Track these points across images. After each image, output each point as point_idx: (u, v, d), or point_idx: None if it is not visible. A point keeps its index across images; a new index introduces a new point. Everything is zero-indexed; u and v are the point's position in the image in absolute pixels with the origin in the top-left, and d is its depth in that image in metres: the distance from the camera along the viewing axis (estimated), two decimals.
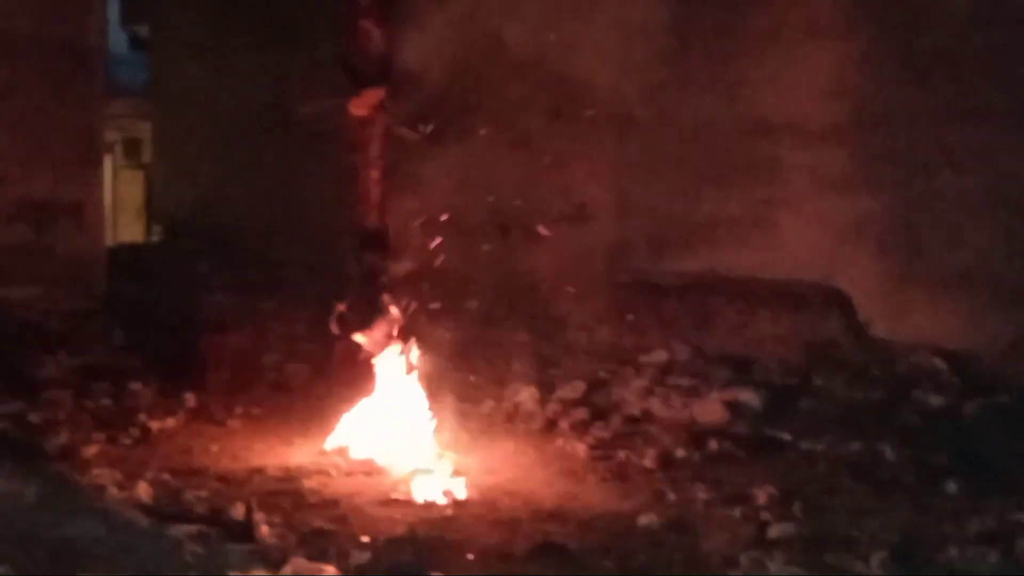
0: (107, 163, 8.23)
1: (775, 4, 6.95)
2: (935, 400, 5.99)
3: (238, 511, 4.09)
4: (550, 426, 5.69)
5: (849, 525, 4.40)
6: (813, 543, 4.14)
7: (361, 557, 3.80)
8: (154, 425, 5.32)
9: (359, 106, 5.23)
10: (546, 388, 6.12)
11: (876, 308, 6.69)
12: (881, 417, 5.78)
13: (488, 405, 5.85)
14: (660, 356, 6.71)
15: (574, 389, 6.15)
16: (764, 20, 6.98)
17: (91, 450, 4.86)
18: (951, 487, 4.82)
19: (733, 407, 5.85)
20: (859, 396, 6.11)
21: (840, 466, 5.16)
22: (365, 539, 4.04)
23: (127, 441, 5.11)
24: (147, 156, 11.25)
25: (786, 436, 5.54)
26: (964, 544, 4.14)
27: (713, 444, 5.39)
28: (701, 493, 4.75)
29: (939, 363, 6.35)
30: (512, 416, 5.83)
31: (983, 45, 6.26)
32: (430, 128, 5.33)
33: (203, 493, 4.38)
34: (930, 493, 4.80)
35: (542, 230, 7.04)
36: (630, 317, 7.05)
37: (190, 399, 5.72)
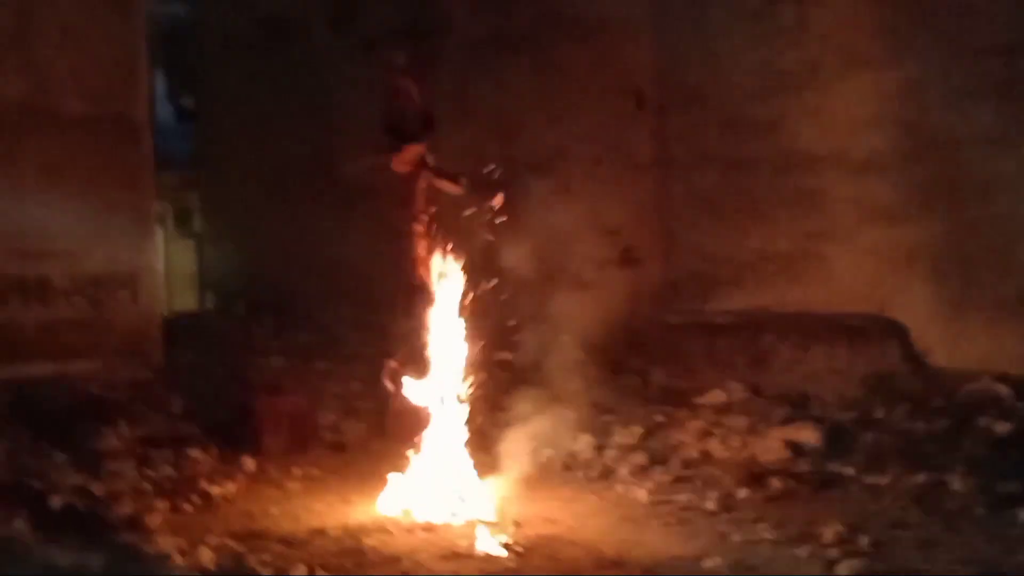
0: (159, 234, 8.37)
1: (811, 41, 6.95)
2: (1000, 427, 5.85)
3: (300, 572, 4.10)
4: (608, 473, 5.66)
5: (920, 559, 4.32)
6: None
7: None
8: (215, 491, 5.35)
9: (401, 163, 5.29)
10: (602, 434, 6.09)
11: (934, 337, 6.58)
12: (945, 447, 5.67)
13: (545, 454, 5.83)
14: (717, 396, 6.67)
15: (631, 434, 6.11)
16: (801, 56, 6.99)
17: (155, 519, 4.89)
18: (1023, 515, 4.70)
19: (793, 444, 5.77)
20: (921, 427, 5.99)
21: (906, 499, 5.06)
22: None
23: (189, 508, 5.14)
24: (197, 225, 11.41)
25: (849, 471, 5.46)
26: None
27: (775, 483, 5.32)
28: (766, 533, 4.68)
29: (1002, 389, 6.22)
30: (570, 465, 5.81)
31: None
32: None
33: (266, 557, 4.38)
34: (1001, 522, 4.69)
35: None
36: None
37: (249, 463, 5.77)
